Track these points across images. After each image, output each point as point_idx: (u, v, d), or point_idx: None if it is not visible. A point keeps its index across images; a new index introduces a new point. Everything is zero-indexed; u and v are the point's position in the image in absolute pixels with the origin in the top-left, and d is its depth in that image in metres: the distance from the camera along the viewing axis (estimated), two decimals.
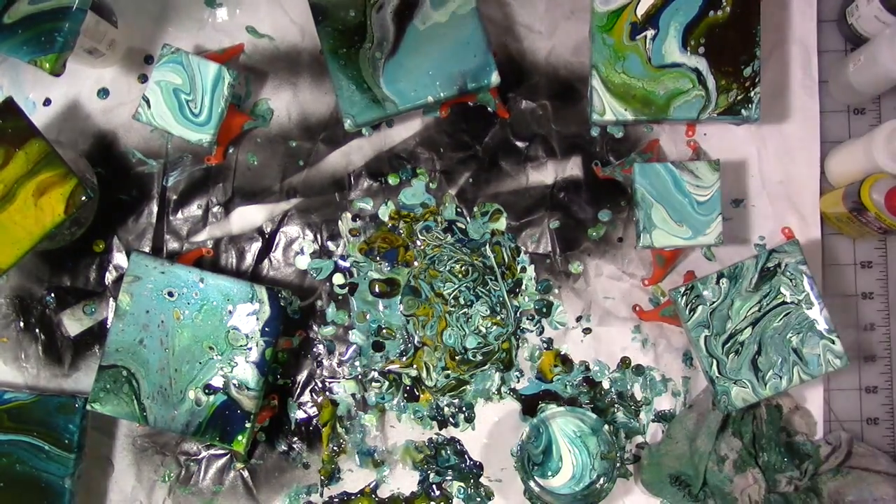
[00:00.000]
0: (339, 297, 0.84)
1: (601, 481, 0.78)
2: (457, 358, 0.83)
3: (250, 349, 0.77)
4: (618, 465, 0.78)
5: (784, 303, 0.75)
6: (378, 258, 0.84)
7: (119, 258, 0.85)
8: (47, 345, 0.84)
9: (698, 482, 0.79)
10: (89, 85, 0.85)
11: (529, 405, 0.83)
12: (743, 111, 0.77)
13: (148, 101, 0.78)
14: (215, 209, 0.85)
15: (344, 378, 0.84)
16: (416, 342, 0.83)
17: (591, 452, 0.79)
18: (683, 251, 0.83)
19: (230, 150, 0.85)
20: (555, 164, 0.84)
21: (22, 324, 0.84)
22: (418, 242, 0.84)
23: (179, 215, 0.85)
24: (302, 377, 0.84)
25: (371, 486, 0.83)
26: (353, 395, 0.84)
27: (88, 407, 0.77)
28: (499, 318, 0.83)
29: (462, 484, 0.83)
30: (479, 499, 0.83)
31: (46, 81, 0.85)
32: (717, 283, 0.75)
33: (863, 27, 0.80)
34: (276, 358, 0.83)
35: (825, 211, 0.83)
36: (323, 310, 0.84)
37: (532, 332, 0.83)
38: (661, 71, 0.77)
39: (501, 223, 0.84)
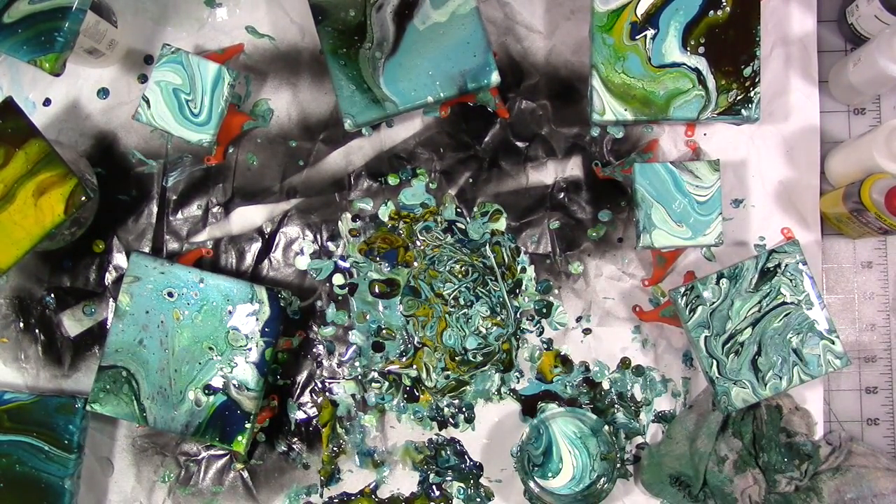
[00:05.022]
0: (339, 298, 0.84)
1: (601, 482, 0.78)
2: (457, 358, 0.83)
3: (250, 349, 0.77)
4: (618, 465, 0.78)
5: (784, 303, 0.75)
6: (378, 258, 0.84)
7: (119, 258, 0.85)
8: (47, 345, 0.84)
9: (698, 483, 0.79)
10: (89, 85, 0.85)
11: (529, 406, 0.83)
12: (743, 111, 0.77)
13: (148, 101, 0.78)
14: (215, 209, 0.85)
15: (344, 378, 0.84)
16: (415, 343, 0.83)
17: (591, 453, 0.79)
18: (683, 251, 0.83)
19: (230, 151, 0.85)
20: (555, 164, 0.84)
21: (22, 324, 0.84)
22: (418, 243, 0.84)
23: (179, 215, 0.85)
24: (302, 378, 0.84)
25: (371, 486, 0.83)
26: (352, 396, 0.84)
27: (88, 407, 0.77)
28: (499, 318, 0.83)
29: (462, 484, 0.83)
30: (479, 499, 0.83)
31: (46, 81, 0.85)
32: (717, 283, 0.75)
33: (863, 27, 0.80)
34: (275, 358, 0.83)
35: (825, 211, 0.82)
36: (323, 310, 0.84)
37: (532, 332, 0.83)
38: (660, 71, 0.77)
39: (501, 223, 0.84)
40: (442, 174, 0.84)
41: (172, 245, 0.85)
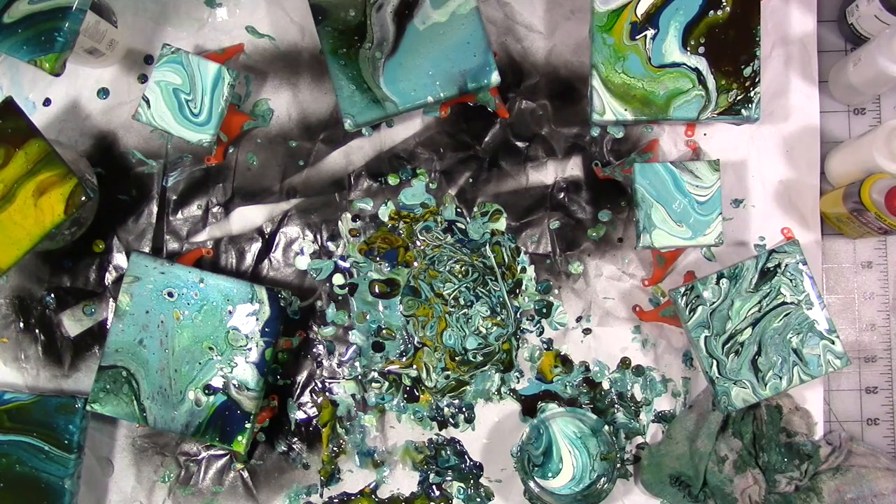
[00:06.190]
0: (339, 298, 0.84)
1: (601, 482, 0.78)
2: (457, 358, 0.83)
3: (250, 349, 0.77)
4: (618, 465, 0.78)
5: (784, 303, 0.75)
6: (378, 258, 0.84)
7: (119, 258, 0.85)
8: (47, 345, 0.84)
9: (698, 482, 0.79)
10: (89, 85, 0.85)
11: (529, 406, 0.83)
12: (743, 111, 0.77)
13: (148, 101, 0.78)
14: (215, 209, 0.85)
15: (344, 378, 0.84)
16: (415, 343, 0.83)
17: (591, 453, 0.79)
18: (683, 251, 0.83)
19: (230, 151, 0.85)
20: (555, 164, 0.84)
21: (22, 324, 0.84)
22: (418, 243, 0.84)
23: (179, 215, 0.85)
24: (302, 378, 0.84)
25: (371, 486, 0.83)
26: (352, 396, 0.84)
27: (88, 407, 0.77)
28: (499, 318, 0.83)
29: (462, 484, 0.83)
30: (479, 499, 0.83)
31: (46, 81, 0.85)
32: (717, 283, 0.75)
33: (863, 27, 0.80)
34: (275, 358, 0.83)
35: (825, 211, 0.82)
36: (323, 310, 0.84)
37: (532, 332, 0.83)
38: (661, 71, 0.77)
39: (501, 223, 0.84)
40: (442, 174, 0.84)
41: (172, 245, 0.85)
